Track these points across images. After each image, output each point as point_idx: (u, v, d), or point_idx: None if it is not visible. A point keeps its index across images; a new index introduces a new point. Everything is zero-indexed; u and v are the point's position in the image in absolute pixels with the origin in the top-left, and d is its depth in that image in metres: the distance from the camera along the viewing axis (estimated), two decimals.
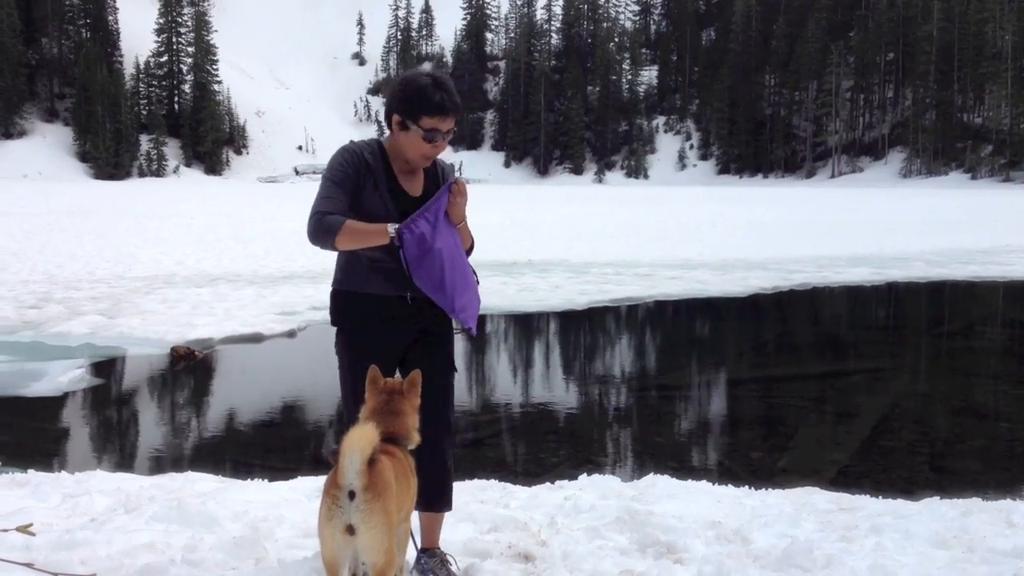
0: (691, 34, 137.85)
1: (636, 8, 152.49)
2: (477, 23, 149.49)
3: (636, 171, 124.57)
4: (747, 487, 5.22)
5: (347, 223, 3.06)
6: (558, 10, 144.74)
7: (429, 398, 3.17)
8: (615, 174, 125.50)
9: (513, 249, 21.39)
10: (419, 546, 3.50)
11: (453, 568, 3.49)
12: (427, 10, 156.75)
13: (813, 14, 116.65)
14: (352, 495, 2.66)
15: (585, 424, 7.64)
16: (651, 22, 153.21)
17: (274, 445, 6.93)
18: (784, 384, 9.18)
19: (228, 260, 18.42)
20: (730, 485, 5.25)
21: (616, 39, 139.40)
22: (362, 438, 2.66)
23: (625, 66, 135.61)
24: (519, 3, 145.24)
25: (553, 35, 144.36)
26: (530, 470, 6.14)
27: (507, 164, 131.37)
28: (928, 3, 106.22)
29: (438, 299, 3.24)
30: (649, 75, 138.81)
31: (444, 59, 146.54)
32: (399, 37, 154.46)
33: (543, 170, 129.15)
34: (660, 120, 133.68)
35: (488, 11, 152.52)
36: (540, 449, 6.83)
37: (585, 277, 16.40)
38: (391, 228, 3.07)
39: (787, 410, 8.08)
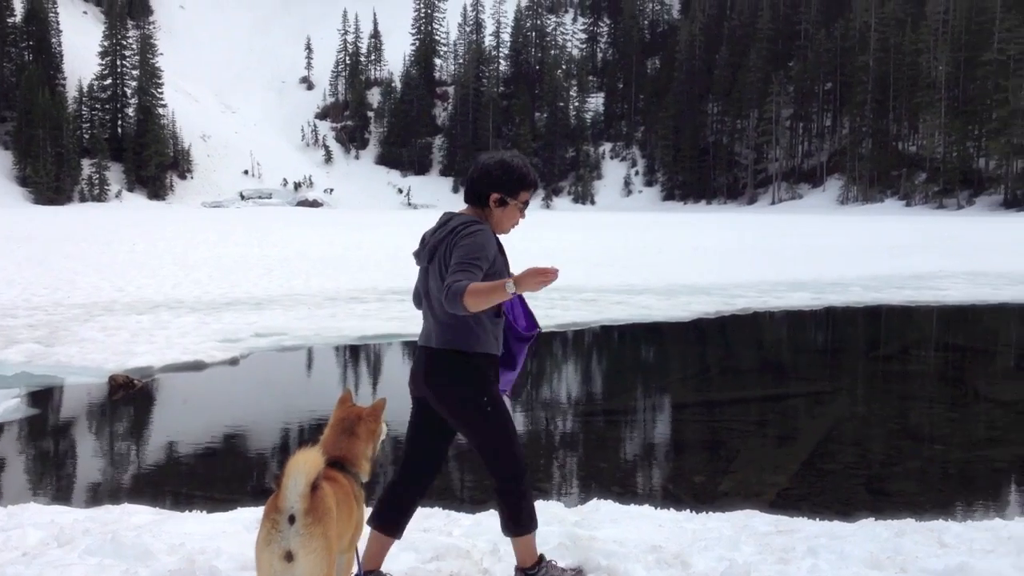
0: (637, 62, 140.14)
1: (583, 36, 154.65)
2: (426, 49, 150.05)
3: (583, 197, 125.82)
4: (689, 511, 5.29)
5: (470, 284, 3.26)
6: (506, 37, 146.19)
7: (445, 442, 3.81)
8: (562, 199, 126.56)
9: None
10: (362, 569, 3.53)
11: None
12: (376, 35, 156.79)
13: (755, 44, 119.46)
14: (292, 519, 2.62)
15: (530, 450, 7.65)
16: (598, 50, 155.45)
17: (214, 476, 6.82)
18: (726, 408, 9.32)
19: (170, 286, 18.12)
20: (672, 509, 5.32)
21: (564, 66, 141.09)
22: (307, 461, 2.62)
23: (572, 93, 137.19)
24: (468, 29, 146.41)
25: (502, 61, 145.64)
26: (475, 496, 6.14)
27: (455, 189, 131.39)
28: (865, 34, 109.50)
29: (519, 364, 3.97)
30: (596, 102, 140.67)
31: (393, 84, 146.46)
32: (347, 62, 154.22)
33: None
34: (606, 147, 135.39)
35: (437, 37, 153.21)
36: (484, 475, 6.77)
37: (531, 303, 16.34)
38: (509, 286, 3.29)
39: (729, 433, 8.19)
